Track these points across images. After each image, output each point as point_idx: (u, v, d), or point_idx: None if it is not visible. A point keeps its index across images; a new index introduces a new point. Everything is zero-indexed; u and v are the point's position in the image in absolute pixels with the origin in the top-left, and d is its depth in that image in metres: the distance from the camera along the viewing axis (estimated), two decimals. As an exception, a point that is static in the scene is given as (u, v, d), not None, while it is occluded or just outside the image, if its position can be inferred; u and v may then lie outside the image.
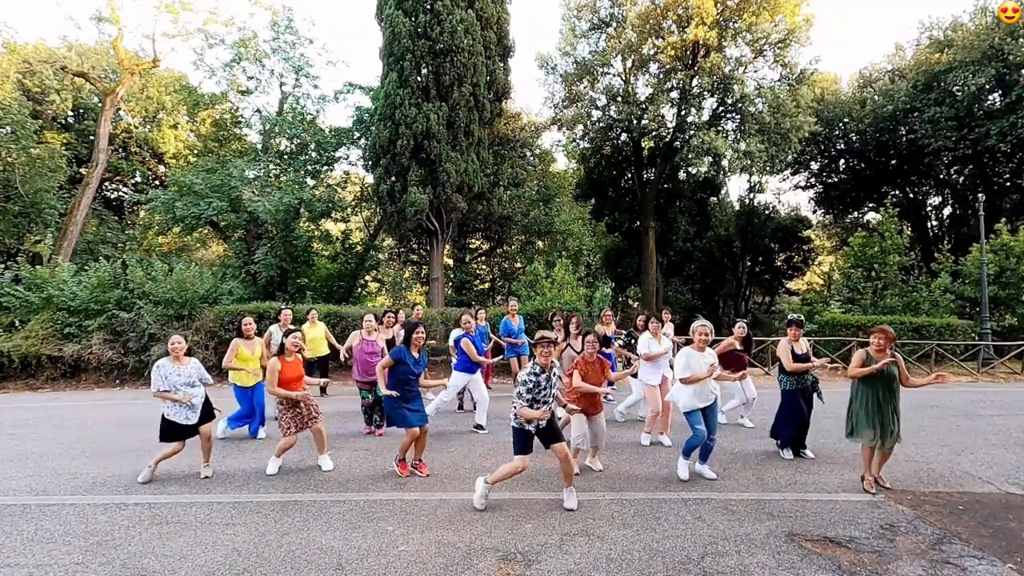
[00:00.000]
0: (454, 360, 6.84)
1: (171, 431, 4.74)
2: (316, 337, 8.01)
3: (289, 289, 16.00)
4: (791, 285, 29.76)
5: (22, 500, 4.42)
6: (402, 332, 6.75)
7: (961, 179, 22.61)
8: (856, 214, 26.38)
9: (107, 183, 20.94)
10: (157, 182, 21.08)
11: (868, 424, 4.49)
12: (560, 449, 4.08)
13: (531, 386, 4.01)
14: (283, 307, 7.96)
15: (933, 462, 5.43)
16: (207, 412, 4.93)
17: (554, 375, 4.20)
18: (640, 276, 22.03)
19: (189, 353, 4.99)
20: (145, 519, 3.99)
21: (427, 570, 3.24)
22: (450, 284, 20.43)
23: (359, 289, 19.17)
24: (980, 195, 14.99)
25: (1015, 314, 15.12)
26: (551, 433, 4.12)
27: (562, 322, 6.78)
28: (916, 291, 15.85)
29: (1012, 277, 15.14)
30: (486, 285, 22.56)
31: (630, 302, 27.76)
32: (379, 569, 3.25)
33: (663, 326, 6.37)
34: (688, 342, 5.00)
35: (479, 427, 6.48)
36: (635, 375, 6.32)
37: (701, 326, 4.85)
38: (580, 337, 5.71)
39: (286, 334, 5.07)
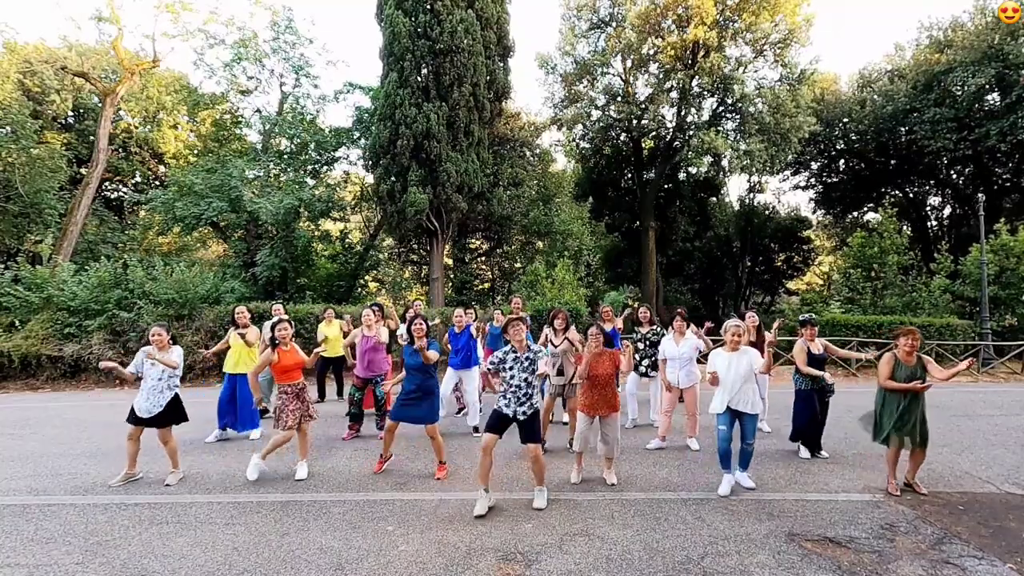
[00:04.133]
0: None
1: (130, 416, 4.69)
2: (332, 336, 7.83)
3: (289, 289, 16.00)
4: (791, 285, 29.76)
5: (22, 500, 4.42)
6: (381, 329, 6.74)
7: (961, 179, 22.61)
8: (856, 214, 26.38)
9: (107, 183, 20.95)
10: (157, 182, 21.08)
11: (893, 429, 4.44)
12: (531, 450, 4.13)
13: (496, 360, 4.24)
14: (275, 303, 7.86)
15: (933, 462, 5.42)
16: (173, 414, 4.78)
17: (528, 361, 4.16)
18: (640, 276, 22.03)
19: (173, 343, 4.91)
20: (145, 519, 3.99)
21: (427, 570, 3.24)
22: (450, 284, 20.43)
23: (359, 289, 19.17)
24: (980, 195, 14.98)
25: (1015, 314, 15.11)
26: (528, 431, 4.16)
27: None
28: (916, 291, 15.85)
29: (1012, 277, 15.13)
30: (486, 285, 22.55)
31: (630, 302, 27.74)
32: (379, 569, 3.25)
33: (689, 326, 6.15)
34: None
35: (475, 429, 6.45)
36: (646, 373, 6.27)
37: (734, 325, 4.58)
38: (560, 332, 5.68)
39: (274, 325, 4.98)
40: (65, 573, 3.24)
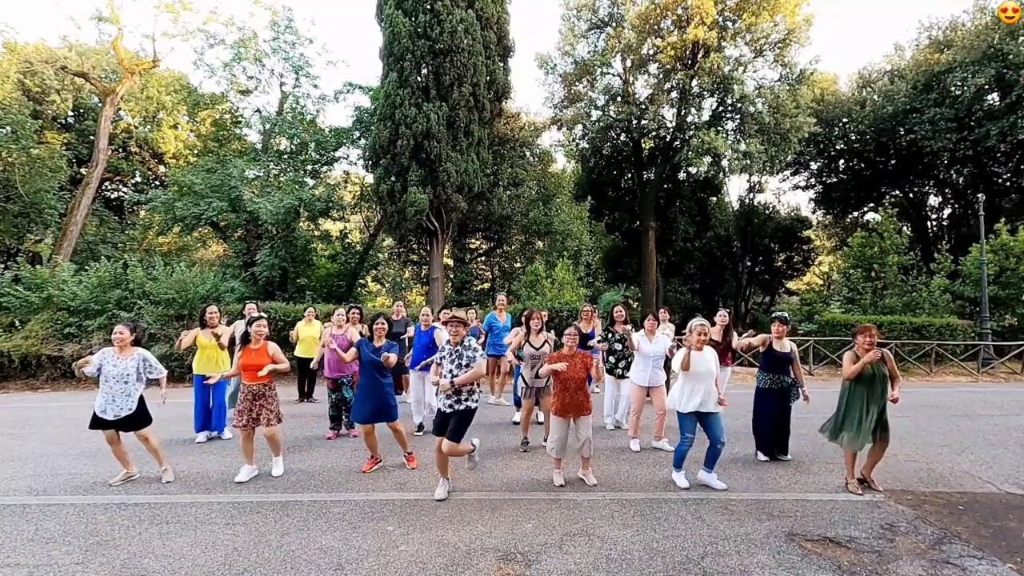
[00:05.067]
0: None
1: (93, 419, 4.55)
2: (311, 336, 7.67)
3: (289, 289, 15.99)
4: (791, 285, 29.77)
5: (22, 500, 4.41)
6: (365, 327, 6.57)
7: (961, 179, 22.64)
8: (856, 214, 26.41)
9: (107, 183, 20.96)
10: (157, 182, 21.09)
11: (851, 428, 4.46)
12: (439, 442, 4.21)
13: (438, 352, 4.38)
14: (248, 302, 7.78)
15: (933, 462, 5.42)
16: (140, 416, 4.62)
17: (458, 355, 4.20)
18: (640, 276, 22.04)
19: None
20: (145, 519, 3.99)
21: (427, 570, 3.24)
22: (450, 284, 20.43)
23: (359, 289, 19.17)
24: (980, 195, 14.99)
25: (1015, 314, 15.12)
26: (452, 427, 4.18)
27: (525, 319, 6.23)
28: (916, 291, 15.86)
29: (1012, 277, 15.15)
30: (486, 285, 22.56)
31: (630, 302, 27.78)
32: (379, 569, 3.25)
33: (659, 325, 6.14)
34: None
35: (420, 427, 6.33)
36: (622, 376, 6.18)
37: (699, 325, 4.61)
38: (538, 333, 5.63)
39: (250, 322, 4.92)
40: (65, 573, 3.24)
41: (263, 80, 18.61)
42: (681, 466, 4.70)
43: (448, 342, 4.31)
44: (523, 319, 5.86)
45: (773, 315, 5.59)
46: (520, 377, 5.79)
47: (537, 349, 5.58)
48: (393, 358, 4.72)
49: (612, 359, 6.25)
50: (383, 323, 4.93)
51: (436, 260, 16.00)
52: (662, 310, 7.09)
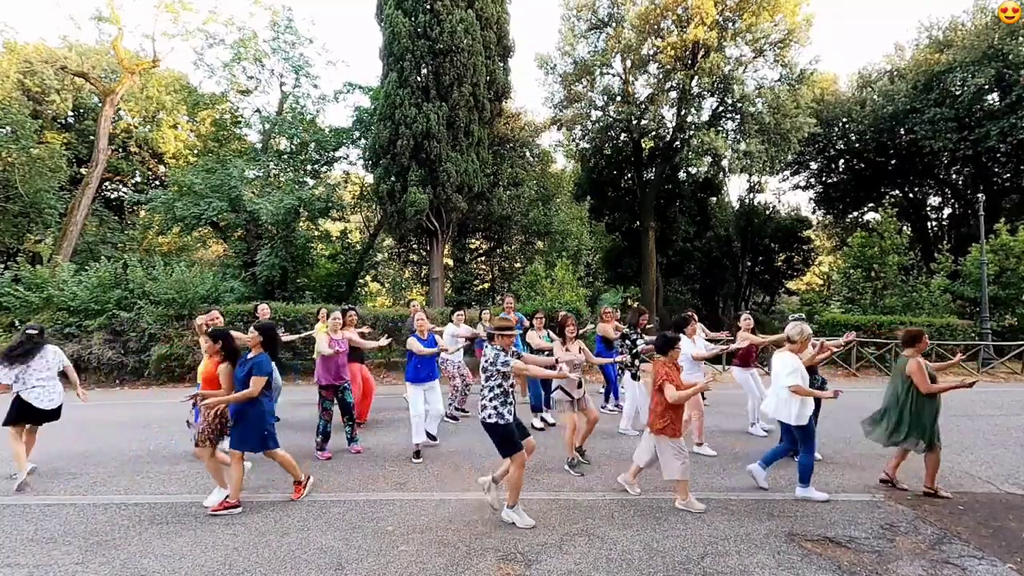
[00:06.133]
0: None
1: (25, 414, 4.88)
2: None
3: (289, 288, 15.99)
4: (791, 285, 29.78)
5: (22, 500, 4.42)
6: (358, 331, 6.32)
7: (961, 179, 22.62)
8: (856, 214, 26.40)
9: (107, 183, 20.96)
10: (157, 182, 21.10)
11: (926, 431, 4.34)
12: (530, 445, 3.83)
13: (491, 357, 3.85)
14: (260, 304, 7.51)
15: (933, 462, 5.42)
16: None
17: (508, 364, 3.85)
18: (640, 276, 22.04)
19: None
20: (145, 519, 4.00)
21: (427, 570, 3.24)
22: (450, 284, 20.43)
23: (359, 289, 19.17)
24: (980, 195, 14.97)
25: (1015, 314, 15.10)
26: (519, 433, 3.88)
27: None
28: (916, 291, 15.84)
29: (1012, 277, 15.12)
30: (486, 285, 22.56)
31: (630, 302, 27.79)
32: (379, 569, 3.25)
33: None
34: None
35: (416, 454, 5.47)
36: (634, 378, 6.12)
37: (808, 333, 4.55)
38: (573, 340, 5.44)
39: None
40: (65, 573, 3.24)
41: (263, 80, 18.63)
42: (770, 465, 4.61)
43: (502, 350, 3.86)
44: (558, 327, 5.64)
45: (791, 319, 5.56)
46: (560, 388, 5.29)
47: (579, 360, 5.36)
48: (258, 381, 3.97)
49: (637, 363, 6.09)
50: (255, 334, 4.18)
51: (436, 260, 16.01)
52: (689, 311, 6.93)
